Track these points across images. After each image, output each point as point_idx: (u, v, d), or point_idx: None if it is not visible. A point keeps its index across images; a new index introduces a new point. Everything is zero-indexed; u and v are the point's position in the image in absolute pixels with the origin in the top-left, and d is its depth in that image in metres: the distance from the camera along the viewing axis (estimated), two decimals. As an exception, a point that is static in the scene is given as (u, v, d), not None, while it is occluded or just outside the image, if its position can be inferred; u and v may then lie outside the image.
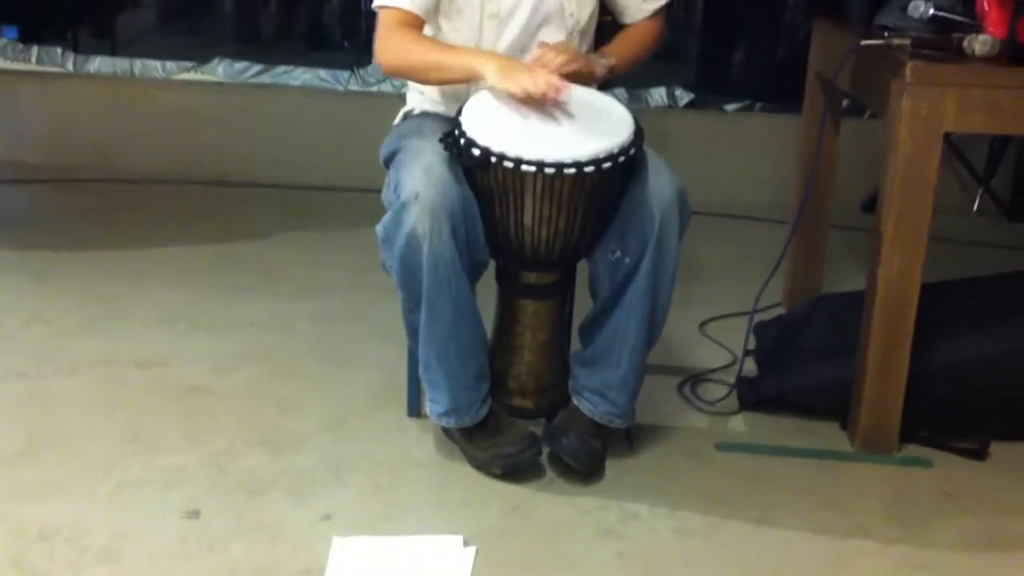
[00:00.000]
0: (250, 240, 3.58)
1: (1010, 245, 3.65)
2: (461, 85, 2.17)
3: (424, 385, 2.20)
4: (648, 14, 2.31)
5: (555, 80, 1.99)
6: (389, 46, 2.13)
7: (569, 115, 2.05)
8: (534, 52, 2.15)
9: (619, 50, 2.27)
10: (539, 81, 1.97)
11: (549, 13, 2.19)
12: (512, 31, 2.18)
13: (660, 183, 2.04)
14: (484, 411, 2.15)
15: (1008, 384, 2.33)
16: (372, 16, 2.21)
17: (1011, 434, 2.35)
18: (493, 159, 1.95)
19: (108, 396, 2.46)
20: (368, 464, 2.21)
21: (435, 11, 2.17)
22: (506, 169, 1.95)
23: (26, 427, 2.31)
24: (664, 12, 2.33)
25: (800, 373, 2.45)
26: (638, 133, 2.04)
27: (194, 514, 2.01)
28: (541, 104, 2.02)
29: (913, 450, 2.32)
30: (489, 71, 2.02)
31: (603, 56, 2.23)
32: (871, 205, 2.32)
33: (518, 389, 2.25)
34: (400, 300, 2.11)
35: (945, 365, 2.34)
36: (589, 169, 1.95)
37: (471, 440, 2.17)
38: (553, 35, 2.20)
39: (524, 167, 1.94)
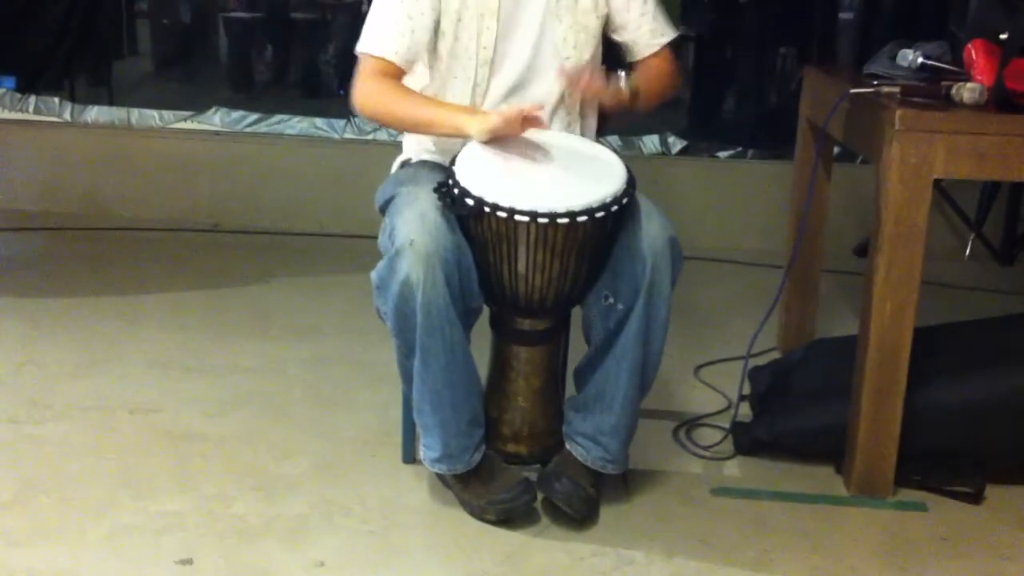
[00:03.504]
0: (244, 285, 3.59)
1: (1002, 290, 3.68)
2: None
3: (419, 430, 2.20)
4: (656, 49, 2.31)
5: (529, 111, 2.03)
6: (365, 90, 2.15)
7: (562, 164, 2.07)
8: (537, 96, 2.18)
9: (641, 79, 2.25)
10: (513, 112, 2.01)
11: (546, 60, 2.21)
12: (507, 76, 2.20)
13: (652, 229, 2.05)
14: (477, 458, 2.15)
15: (1002, 427, 2.33)
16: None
17: (1006, 477, 2.35)
18: (487, 208, 1.96)
19: (100, 441, 2.45)
20: (361, 510, 2.19)
21: (416, 62, 2.19)
22: (499, 218, 1.96)
23: (17, 473, 2.30)
24: (672, 49, 2.34)
25: (795, 417, 2.45)
26: (630, 182, 2.05)
27: (187, 561, 2.00)
28: (528, 147, 2.03)
29: (908, 494, 2.31)
30: (473, 127, 2.05)
31: (620, 79, 2.21)
32: (864, 250, 2.33)
33: (512, 435, 2.25)
34: (395, 346, 2.11)
35: (939, 409, 2.34)
36: (582, 218, 1.96)
37: (465, 486, 2.16)
38: (551, 82, 2.21)
39: (517, 216, 1.95)
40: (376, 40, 2.16)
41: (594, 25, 2.23)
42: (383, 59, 2.14)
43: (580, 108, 2.28)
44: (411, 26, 2.14)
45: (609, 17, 2.26)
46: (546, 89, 2.21)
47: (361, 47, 2.18)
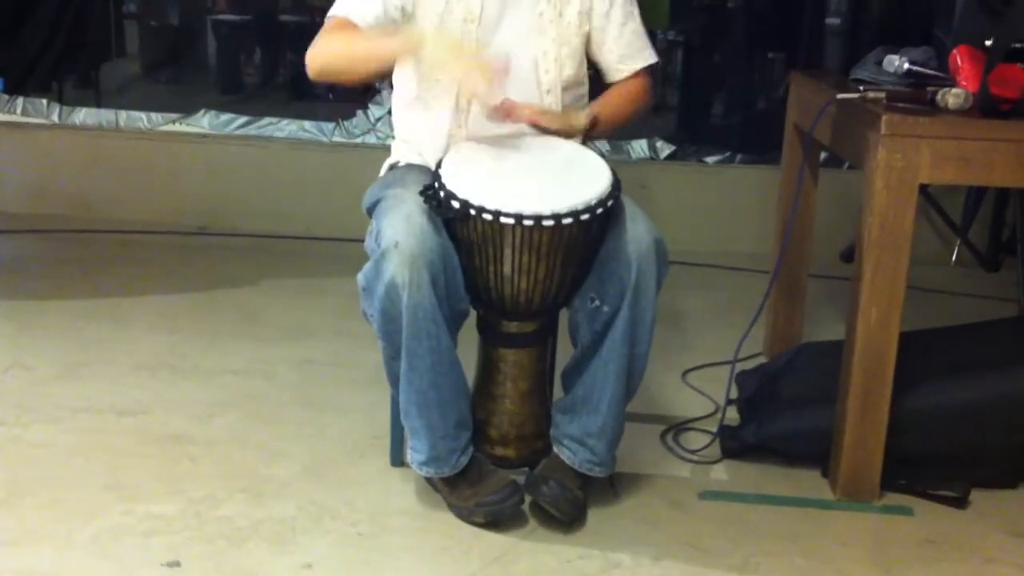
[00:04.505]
0: (232, 288, 3.59)
1: (988, 295, 3.69)
2: (442, 138, 2.19)
3: (407, 433, 2.20)
4: (630, 73, 2.32)
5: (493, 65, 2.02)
6: (316, 45, 2.15)
7: (547, 167, 2.07)
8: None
9: (603, 103, 2.28)
10: (481, 72, 2.00)
11: (526, 71, 2.21)
12: None
13: (637, 232, 2.06)
14: (464, 460, 2.15)
15: (987, 432, 2.35)
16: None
17: (991, 482, 2.36)
18: (472, 211, 1.97)
19: (88, 444, 2.45)
20: (350, 512, 2.19)
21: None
22: (485, 221, 1.97)
23: (5, 475, 2.29)
24: (649, 72, 2.35)
25: (781, 421, 2.46)
26: (615, 184, 2.06)
27: (174, 564, 1.99)
28: (514, 150, 2.04)
29: (894, 498, 2.33)
30: (429, 47, 2.03)
31: (582, 109, 2.24)
32: (851, 255, 2.35)
33: (500, 438, 2.25)
34: (381, 348, 2.11)
35: (925, 413, 2.35)
36: (567, 221, 1.97)
37: (453, 489, 2.16)
38: (531, 94, 2.21)
39: (503, 219, 1.96)
40: (344, 4, 2.17)
41: (576, 42, 2.24)
42: (347, 19, 2.15)
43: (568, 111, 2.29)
44: (384, 7, 2.15)
45: (590, 36, 2.27)
46: (525, 100, 2.21)
47: (331, 12, 2.19)
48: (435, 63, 2.04)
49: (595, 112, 2.23)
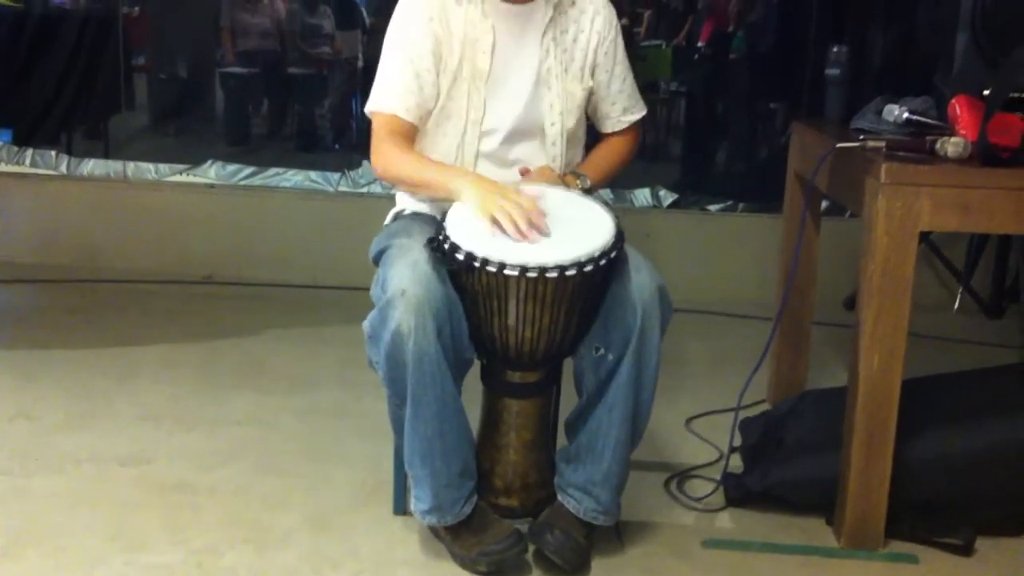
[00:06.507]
0: (237, 337, 3.60)
1: (991, 342, 3.69)
2: None
3: (410, 481, 2.20)
4: (626, 126, 2.41)
5: (529, 206, 2.04)
6: (383, 154, 2.20)
7: (551, 218, 2.09)
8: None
9: (595, 167, 2.35)
10: (513, 212, 2.02)
11: (532, 124, 2.26)
12: (495, 138, 2.25)
13: (641, 279, 2.07)
14: (468, 509, 2.14)
15: (992, 479, 2.33)
16: (362, 119, 2.27)
17: (996, 529, 2.35)
18: (477, 263, 1.98)
19: (91, 493, 2.45)
20: (352, 562, 2.18)
21: (427, 118, 2.24)
22: (489, 273, 1.98)
23: (8, 525, 2.29)
24: (640, 123, 2.44)
25: (785, 469, 2.45)
26: (619, 235, 2.07)
27: (176, 614, 1.99)
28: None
29: (899, 546, 2.31)
30: (467, 196, 2.08)
31: (579, 177, 2.29)
32: (854, 302, 2.35)
33: (503, 488, 2.25)
34: (386, 396, 2.12)
35: (929, 460, 2.34)
36: (571, 272, 1.98)
37: (456, 537, 2.15)
38: (535, 145, 2.27)
39: (507, 271, 1.97)
40: (386, 97, 2.21)
41: (580, 95, 2.30)
42: (395, 116, 2.19)
43: (570, 167, 2.34)
44: (419, 83, 2.20)
45: (593, 89, 2.34)
46: (530, 154, 2.27)
47: (371, 106, 2.23)
48: (477, 206, 2.07)
49: (588, 185, 2.28)
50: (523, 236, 2.00)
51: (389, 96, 2.20)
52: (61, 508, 2.38)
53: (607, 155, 2.41)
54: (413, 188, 2.27)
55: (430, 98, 2.22)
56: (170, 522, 2.33)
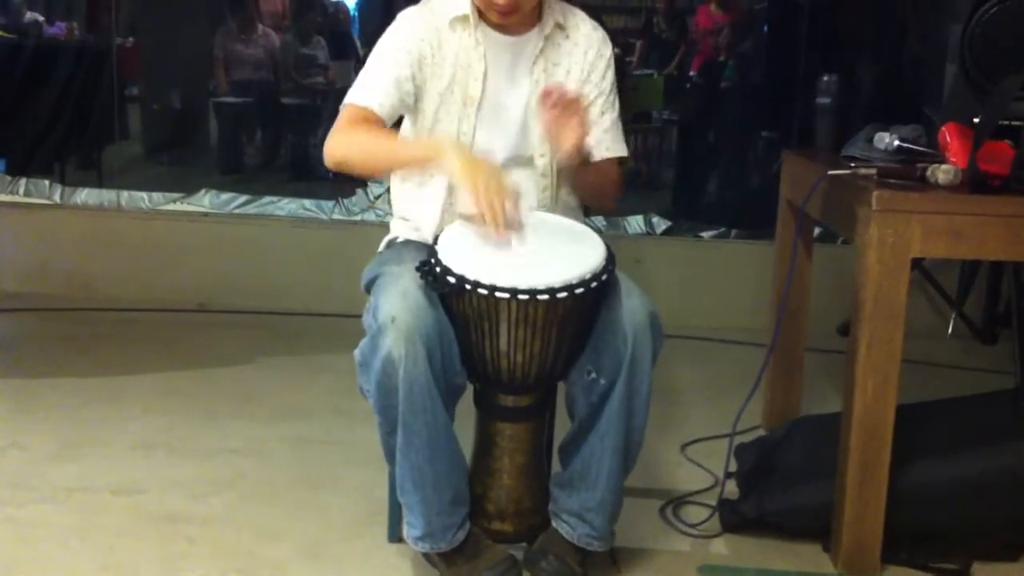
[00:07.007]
0: (230, 366, 3.59)
1: (985, 368, 3.70)
2: (438, 215, 2.23)
3: (403, 508, 2.19)
4: (607, 156, 2.31)
5: (510, 208, 2.00)
6: (337, 136, 2.16)
7: (542, 242, 2.10)
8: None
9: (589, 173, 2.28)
10: (498, 208, 1.98)
11: (523, 155, 2.26)
12: None
13: (632, 305, 2.07)
14: (461, 536, 2.13)
15: (988, 505, 2.33)
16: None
17: (993, 554, 2.34)
18: (468, 286, 1.98)
19: (84, 524, 2.43)
20: (346, 591, 2.18)
21: (396, 121, 2.21)
22: (480, 296, 1.98)
23: (-1, 556, 2.28)
24: (620, 164, 2.35)
25: (781, 495, 2.45)
26: (610, 258, 2.08)
27: (167, 644, 1.97)
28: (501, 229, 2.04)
29: (896, 571, 2.30)
30: (453, 160, 2.03)
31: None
32: (847, 329, 2.36)
33: (497, 513, 2.24)
34: (378, 424, 2.11)
35: (924, 486, 2.34)
36: (562, 295, 1.98)
37: (450, 564, 2.14)
38: (526, 176, 2.26)
39: (498, 294, 1.97)
40: (361, 92, 2.19)
41: None
42: (367, 108, 2.17)
43: (563, 198, 2.32)
44: (398, 89, 2.19)
45: None
46: (523, 183, 2.25)
47: (346, 100, 2.21)
48: (453, 174, 2.05)
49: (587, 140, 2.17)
50: (500, 230, 1.97)
51: (364, 91, 2.19)
52: (52, 538, 2.36)
53: (595, 170, 2.31)
54: (374, 161, 2.18)
55: (404, 107, 2.20)
56: (162, 552, 2.31)
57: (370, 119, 2.17)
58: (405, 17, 2.24)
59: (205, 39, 5.37)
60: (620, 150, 2.35)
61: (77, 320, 4.08)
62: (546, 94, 2.08)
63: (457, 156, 2.05)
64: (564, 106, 2.07)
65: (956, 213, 2.18)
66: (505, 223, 1.99)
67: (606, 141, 2.31)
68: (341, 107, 2.22)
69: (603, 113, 2.31)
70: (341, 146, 2.16)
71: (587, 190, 2.34)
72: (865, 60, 4.75)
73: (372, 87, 2.19)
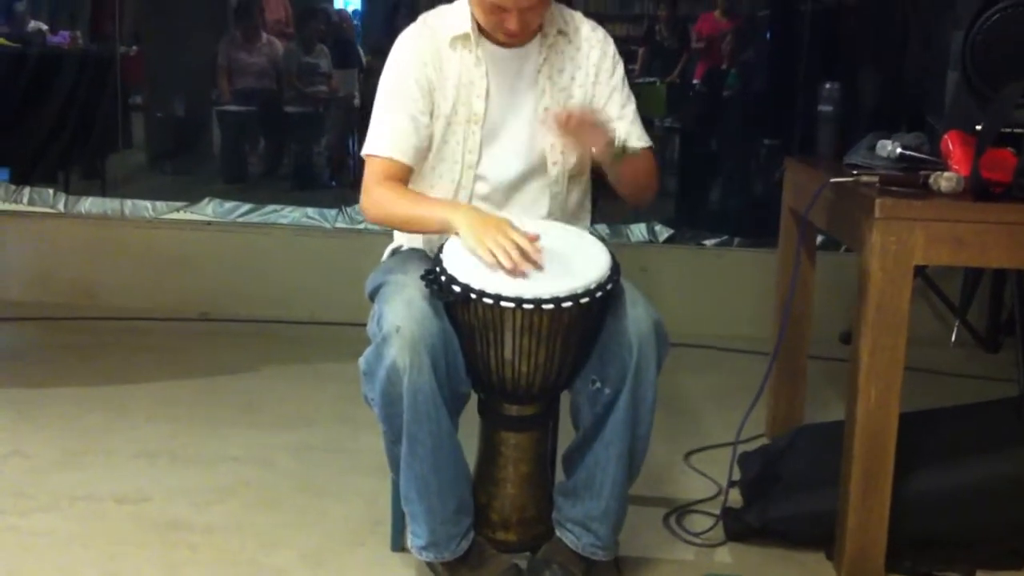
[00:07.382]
0: (233, 374, 3.59)
1: (988, 376, 3.69)
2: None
3: (407, 517, 2.19)
4: (638, 148, 2.29)
5: (525, 244, 2.01)
6: (372, 197, 2.19)
7: (547, 251, 2.10)
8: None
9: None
10: (508, 247, 1.99)
11: (534, 166, 2.25)
12: (492, 180, 2.24)
13: (637, 314, 2.07)
14: (465, 545, 2.13)
15: (991, 512, 2.33)
16: (359, 156, 2.27)
17: (996, 562, 2.34)
18: (473, 295, 1.98)
19: (87, 532, 2.43)
20: (349, 600, 2.18)
21: (423, 161, 2.23)
22: (485, 305, 1.98)
23: (2, 564, 2.27)
24: (652, 153, 2.33)
25: (784, 503, 2.45)
26: (615, 268, 2.08)
27: (171, 653, 1.97)
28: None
29: (900, 580, 2.31)
30: (462, 228, 2.06)
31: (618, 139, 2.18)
32: (850, 337, 2.36)
33: (501, 522, 2.24)
34: (382, 433, 2.11)
35: (928, 494, 2.34)
36: (567, 304, 1.98)
37: (454, 573, 2.14)
38: (537, 187, 2.26)
39: (503, 303, 1.97)
40: (380, 141, 2.20)
41: None
42: (390, 160, 2.18)
43: (571, 208, 2.32)
44: (414, 126, 2.19)
45: None
46: (534, 195, 2.26)
47: (367, 149, 2.22)
48: (464, 241, 2.06)
49: (625, 148, 2.19)
50: (518, 272, 2.00)
51: (383, 140, 2.20)
52: (56, 546, 2.36)
53: (632, 163, 2.25)
54: (405, 225, 2.26)
55: (426, 139, 2.21)
56: (166, 560, 2.31)
57: (395, 175, 2.19)
58: (406, 42, 2.23)
59: (209, 48, 5.38)
60: (647, 141, 2.33)
61: (80, 329, 4.09)
62: (564, 122, 2.07)
63: (464, 223, 2.06)
64: (580, 122, 2.07)
65: (959, 221, 2.18)
66: (520, 261, 2.00)
67: (635, 132, 2.30)
68: (363, 152, 2.23)
69: (623, 106, 2.30)
70: (375, 210, 2.20)
71: (628, 187, 2.28)
72: (867, 68, 4.75)
73: (392, 136, 2.19)
